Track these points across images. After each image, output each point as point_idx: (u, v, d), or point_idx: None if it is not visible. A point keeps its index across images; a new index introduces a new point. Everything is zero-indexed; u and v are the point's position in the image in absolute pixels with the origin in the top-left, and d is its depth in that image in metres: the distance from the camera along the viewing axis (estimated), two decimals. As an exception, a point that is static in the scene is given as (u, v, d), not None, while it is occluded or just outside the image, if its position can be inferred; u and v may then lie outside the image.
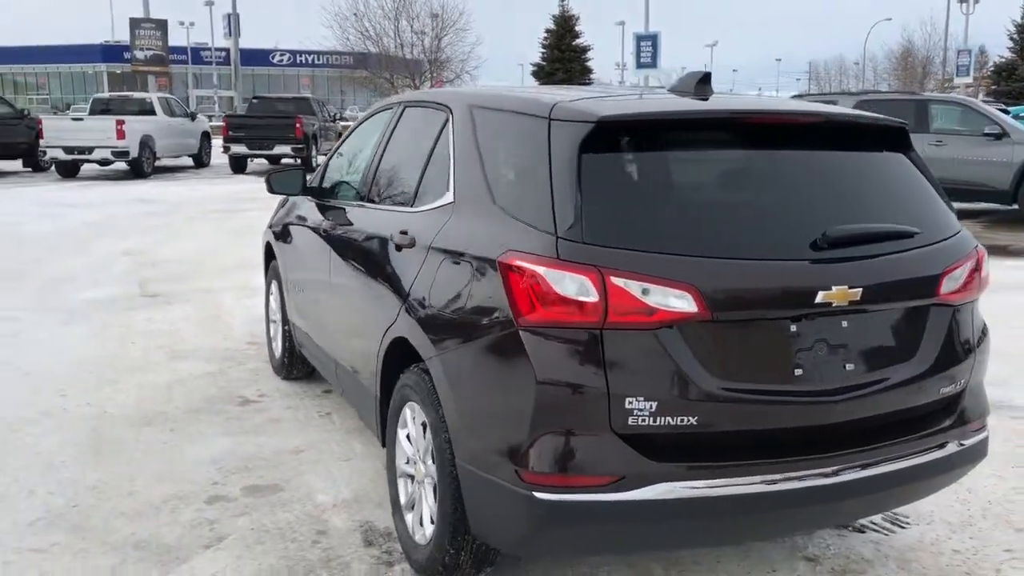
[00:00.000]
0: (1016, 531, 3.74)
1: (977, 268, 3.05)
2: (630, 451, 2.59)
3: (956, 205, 3.28)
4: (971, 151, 12.98)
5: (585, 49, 38.16)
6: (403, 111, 4.17)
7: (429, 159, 3.57)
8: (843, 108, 3.56)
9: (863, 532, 3.69)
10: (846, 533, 3.68)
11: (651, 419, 2.59)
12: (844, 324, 2.78)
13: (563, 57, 36.88)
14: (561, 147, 2.75)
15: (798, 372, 2.72)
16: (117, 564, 3.38)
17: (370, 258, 3.78)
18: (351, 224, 4.17)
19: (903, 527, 3.74)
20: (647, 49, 32.77)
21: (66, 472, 4.22)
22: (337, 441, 4.69)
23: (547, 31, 38.16)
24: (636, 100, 3.37)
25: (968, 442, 3.06)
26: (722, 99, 3.14)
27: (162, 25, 39.87)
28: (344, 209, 4.37)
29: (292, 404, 5.26)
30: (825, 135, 3.10)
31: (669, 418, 2.60)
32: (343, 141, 5.08)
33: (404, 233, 3.43)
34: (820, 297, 2.66)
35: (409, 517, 3.33)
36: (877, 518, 3.75)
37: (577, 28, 37.96)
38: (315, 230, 4.68)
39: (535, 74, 37.22)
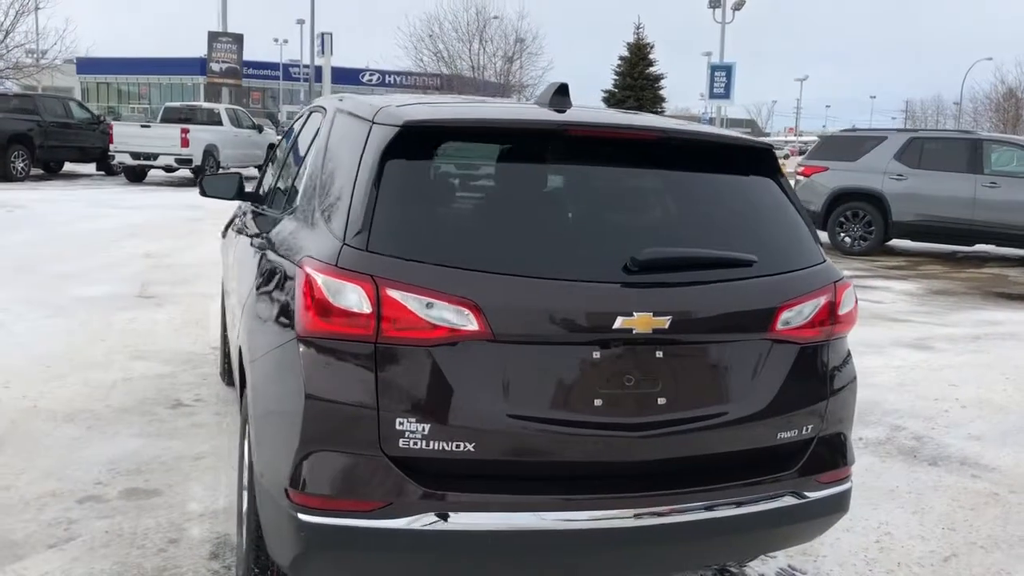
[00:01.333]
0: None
1: (834, 304, 2.80)
2: (401, 476, 2.43)
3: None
4: (1026, 194, 12.37)
5: (659, 77, 37.82)
6: (309, 115, 4.11)
7: (303, 163, 3.49)
8: (702, 127, 3.34)
9: (734, 584, 3.43)
10: (714, 584, 3.43)
11: (424, 443, 2.43)
12: (658, 354, 2.58)
13: (635, 84, 36.60)
14: (370, 151, 2.63)
15: (598, 403, 2.52)
16: (-48, 555, 3.35)
17: (247, 265, 3.71)
18: (248, 229, 4.12)
19: (782, 582, 3.47)
20: (720, 79, 32.26)
21: (-41, 460, 4.23)
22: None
23: (621, 58, 37.97)
24: (463, 106, 3.22)
25: (814, 495, 2.80)
26: (573, 112, 2.98)
27: (238, 39, 41.07)
28: (253, 214, 4.32)
29: (222, 411, 5.21)
30: (677, 153, 2.90)
31: (444, 443, 2.44)
32: (279, 144, 5.05)
33: (264, 238, 3.36)
34: (619, 323, 2.46)
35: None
36: (770, 570, 3.48)
37: (651, 56, 37.66)
38: (237, 235, 4.65)
39: (605, 100, 37.08)
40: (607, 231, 2.68)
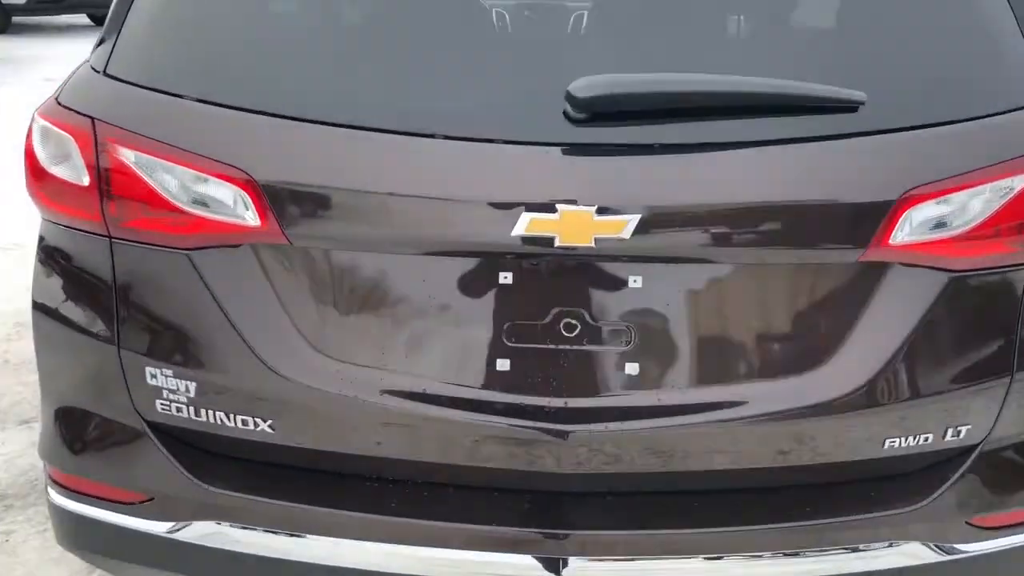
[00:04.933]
0: None
1: None
2: (163, 457, 1.47)
3: None
4: None
5: None
6: None
7: None
8: None
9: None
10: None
11: (192, 410, 1.43)
12: (632, 283, 1.33)
13: None
14: None
15: (503, 366, 1.36)
16: None
17: None
18: None
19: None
20: None
21: None
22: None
23: None
24: None
25: (972, 548, 1.47)
26: None
27: None
28: None
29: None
30: None
31: (223, 415, 1.42)
32: None
33: None
34: (546, 222, 1.25)
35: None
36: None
37: None
38: None
39: None
40: (526, 45, 1.40)
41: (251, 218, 1.32)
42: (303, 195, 1.31)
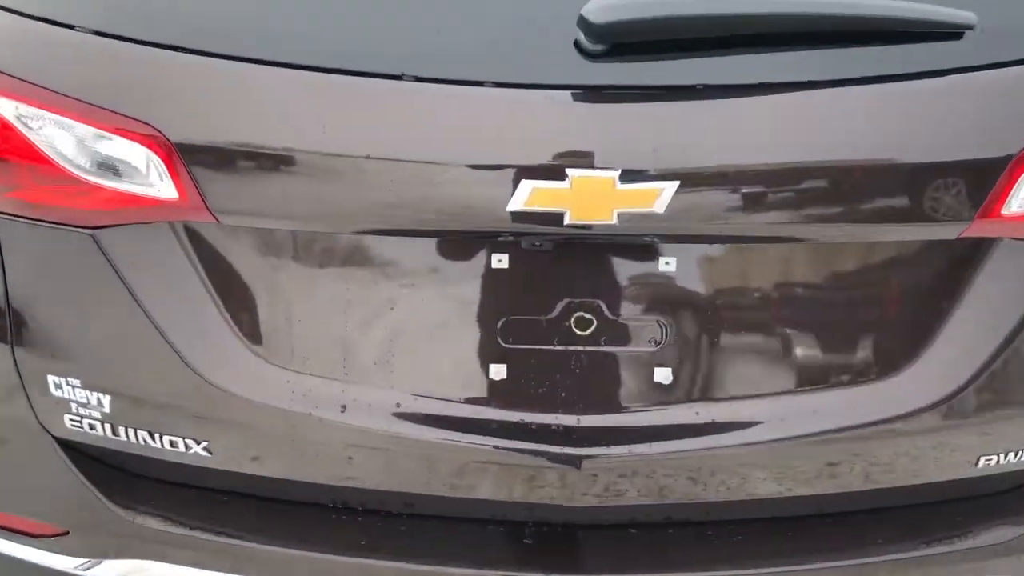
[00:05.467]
0: None
1: None
2: (78, 482, 1.18)
3: None
4: None
5: None
6: None
7: None
8: None
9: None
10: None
11: (108, 426, 1.14)
12: (665, 264, 1.03)
13: None
14: None
15: (497, 373, 1.06)
16: None
17: None
18: None
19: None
20: None
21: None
22: None
23: None
24: None
25: None
26: None
27: None
28: None
29: None
30: None
31: (146, 432, 1.13)
32: None
33: None
34: (535, 194, 0.95)
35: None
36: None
37: None
38: None
39: None
40: None
41: (165, 189, 1.01)
42: (231, 158, 1.00)
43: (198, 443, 1.12)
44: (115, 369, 1.11)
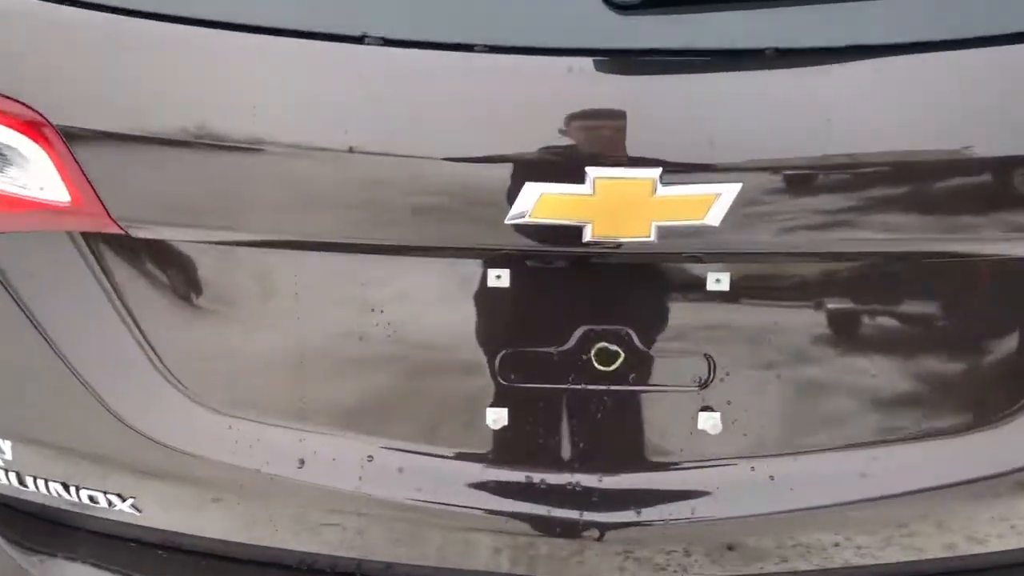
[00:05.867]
0: None
1: None
2: (-11, 539, 0.97)
3: None
4: None
5: None
6: None
7: None
8: None
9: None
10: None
11: (13, 476, 0.91)
12: (716, 283, 0.78)
13: None
14: None
15: (496, 419, 0.82)
16: None
17: None
18: None
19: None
20: None
21: None
22: None
23: None
24: None
25: None
26: None
27: None
28: None
29: None
30: None
31: (60, 485, 0.91)
32: None
33: None
34: (545, 202, 0.70)
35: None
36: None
37: None
38: None
39: None
40: None
41: (54, 190, 0.76)
42: (138, 150, 0.75)
43: (123, 499, 0.90)
44: (16, 410, 0.88)
